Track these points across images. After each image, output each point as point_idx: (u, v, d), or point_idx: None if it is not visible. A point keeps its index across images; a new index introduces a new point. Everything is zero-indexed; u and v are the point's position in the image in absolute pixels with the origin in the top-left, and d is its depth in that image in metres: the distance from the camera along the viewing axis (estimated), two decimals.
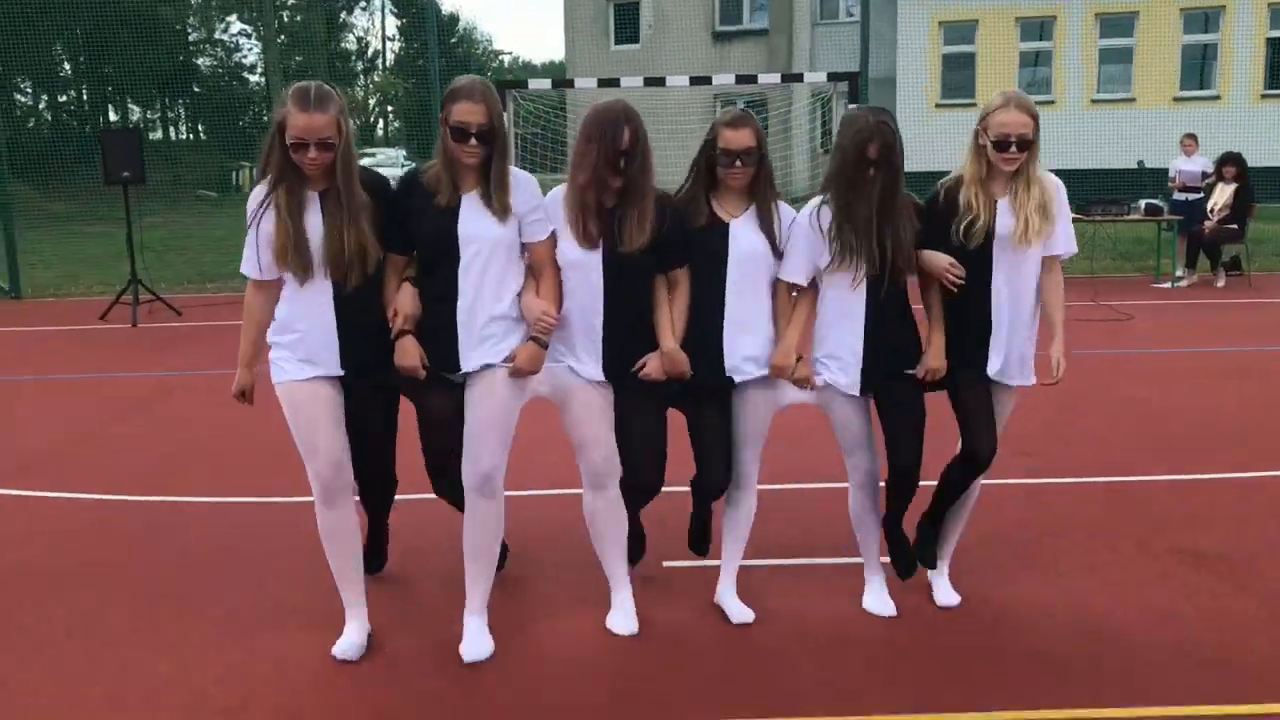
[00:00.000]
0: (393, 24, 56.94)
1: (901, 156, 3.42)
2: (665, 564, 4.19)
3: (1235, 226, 12.03)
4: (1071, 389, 7.37)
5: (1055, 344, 3.59)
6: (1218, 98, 22.83)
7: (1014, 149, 3.44)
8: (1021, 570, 4.11)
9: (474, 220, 3.33)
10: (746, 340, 3.55)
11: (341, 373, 3.39)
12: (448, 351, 3.39)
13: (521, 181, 3.39)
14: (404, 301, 3.40)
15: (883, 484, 3.69)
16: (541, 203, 3.44)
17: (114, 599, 3.97)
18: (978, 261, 3.52)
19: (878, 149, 3.35)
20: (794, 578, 4.07)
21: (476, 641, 3.51)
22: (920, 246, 3.52)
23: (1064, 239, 3.59)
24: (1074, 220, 11.42)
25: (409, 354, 3.39)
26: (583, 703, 3.21)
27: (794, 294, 3.63)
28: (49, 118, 30.51)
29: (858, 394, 3.57)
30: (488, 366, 3.39)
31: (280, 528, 4.70)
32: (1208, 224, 12.10)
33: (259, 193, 3.32)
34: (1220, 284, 12.11)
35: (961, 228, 3.49)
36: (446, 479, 3.60)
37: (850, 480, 3.72)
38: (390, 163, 33.50)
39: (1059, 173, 3.67)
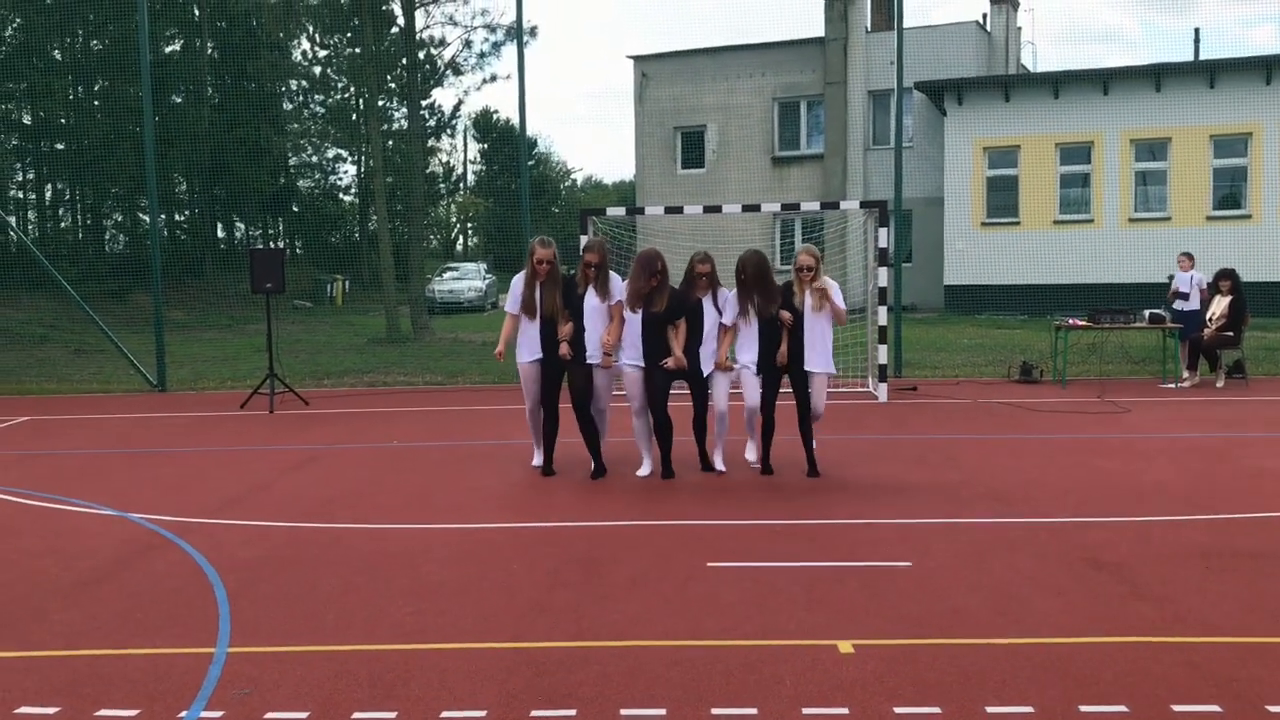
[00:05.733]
0: (474, 147, 60.47)
1: (762, 269, 7.90)
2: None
3: (1231, 334, 13.48)
4: (1053, 460, 8.91)
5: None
6: (1249, 216, 24.21)
7: (804, 272, 7.89)
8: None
9: (591, 300, 8.01)
10: (710, 356, 7.97)
11: (541, 357, 8.03)
12: (581, 353, 7.96)
13: (613, 279, 7.98)
14: (566, 331, 7.96)
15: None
16: (621, 289, 7.98)
17: (321, 578, 5.72)
18: (799, 318, 7.85)
19: (749, 268, 7.89)
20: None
21: (583, 472, 8.22)
22: (779, 309, 7.86)
23: (838, 308, 7.93)
24: (1085, 328, 14.27)
25: (566, 352, 7.94)
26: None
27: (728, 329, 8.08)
28: (165, 235, 33.48)
29: (755, 373, 8.00)
30: (595, 363, 8.01)
31: (413, 544, 6.45)
32: (1206, 331, 13.57)
33: (519, 278, 8.15)
34: (1220, 384, 13.48)
35: (795, 301, 7.88)
36: (585, 412, 8.06)
37: (746, 408, 8.12)
38: (474, 275, 35.66)
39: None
